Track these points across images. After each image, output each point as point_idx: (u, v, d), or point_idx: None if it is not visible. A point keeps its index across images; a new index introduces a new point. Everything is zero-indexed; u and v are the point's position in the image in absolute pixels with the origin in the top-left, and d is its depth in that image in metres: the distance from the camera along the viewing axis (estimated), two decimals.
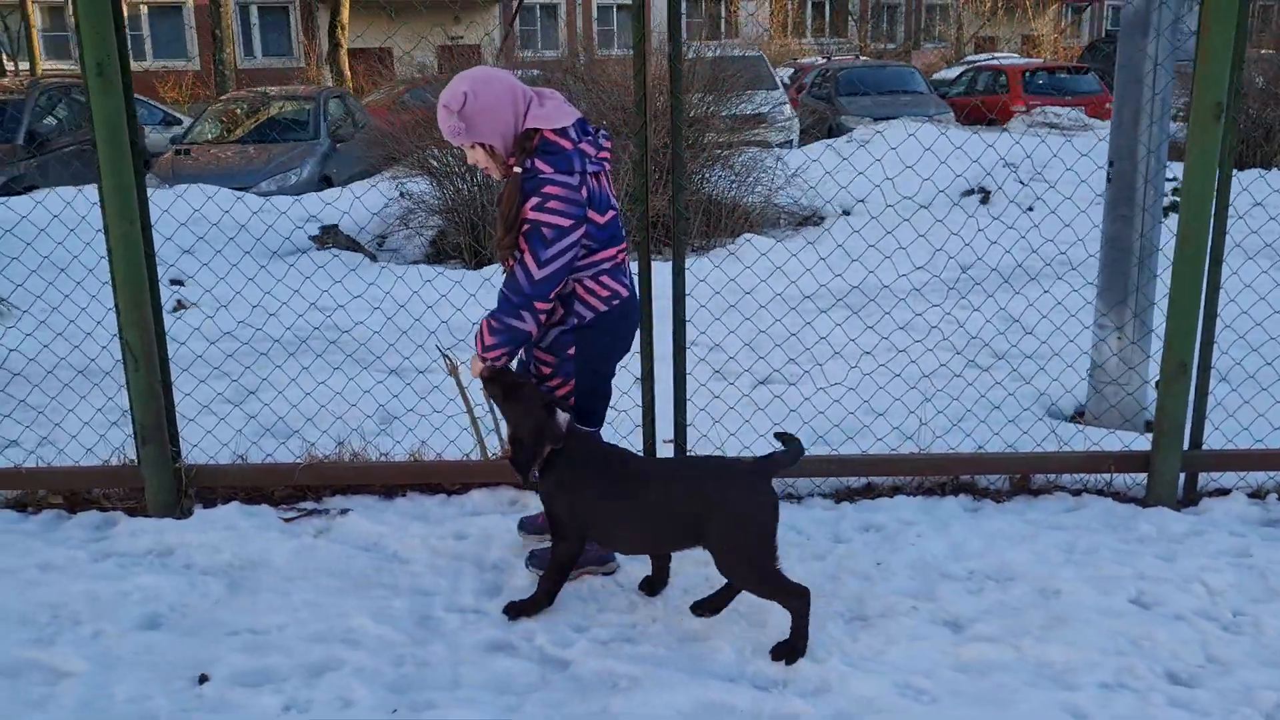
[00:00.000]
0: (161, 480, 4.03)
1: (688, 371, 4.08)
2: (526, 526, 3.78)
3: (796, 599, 3.03)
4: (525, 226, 3.07)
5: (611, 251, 3.27)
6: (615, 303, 3.32)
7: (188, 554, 3.76)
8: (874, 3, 38.79)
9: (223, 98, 13.86)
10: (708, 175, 9.16)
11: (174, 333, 5.82)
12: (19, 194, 9.54)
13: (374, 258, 8.66)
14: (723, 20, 35.49)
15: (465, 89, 3.10)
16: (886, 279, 6.78)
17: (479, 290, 6.40)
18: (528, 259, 3.08)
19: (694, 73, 9.24)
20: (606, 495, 3.15)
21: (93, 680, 3.04)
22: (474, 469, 4.13)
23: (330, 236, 8.58)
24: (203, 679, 3.04)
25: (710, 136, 9.10)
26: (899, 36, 38.65)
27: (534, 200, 3.06)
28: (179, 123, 17.26)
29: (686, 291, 3.98)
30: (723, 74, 9.62)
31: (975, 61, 24.84)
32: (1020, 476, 4.15)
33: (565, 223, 3.06)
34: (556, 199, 3.05)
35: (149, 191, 4.00)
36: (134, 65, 3.95)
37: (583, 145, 3.16)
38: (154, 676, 3.05)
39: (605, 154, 3.26)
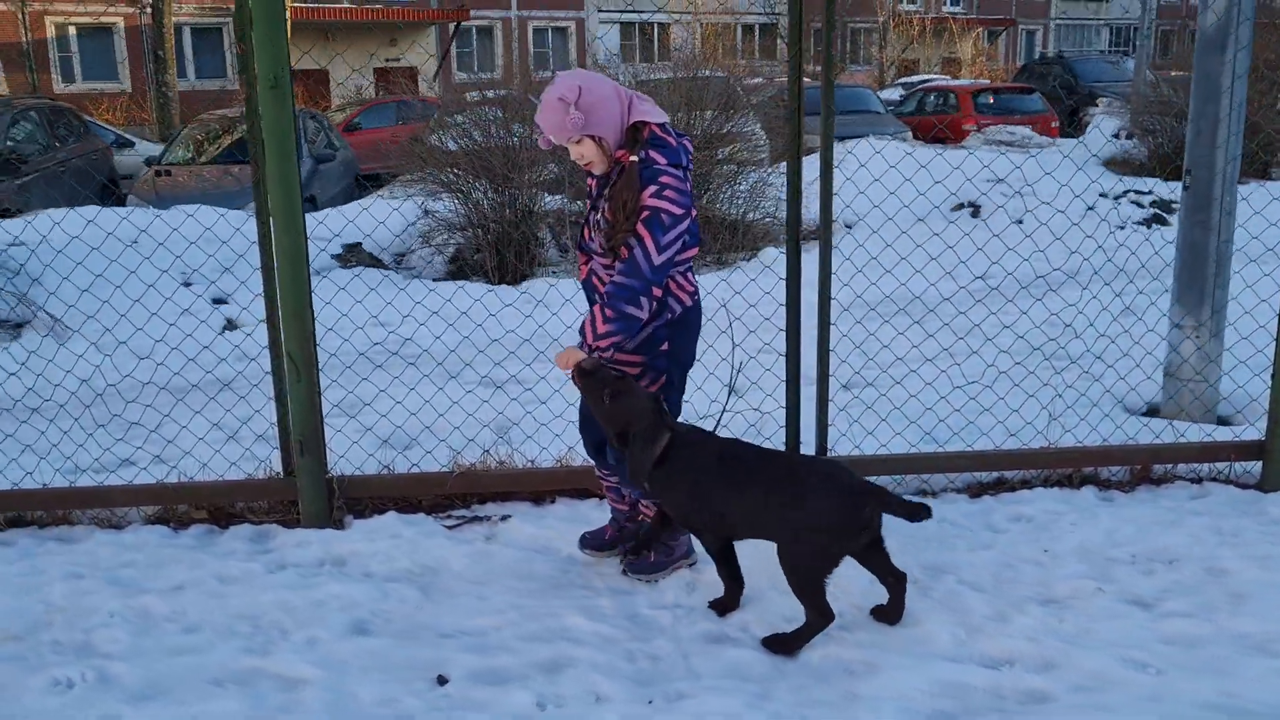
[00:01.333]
0: (316, 491, 4.03)
1: (783, 378, 4.20)
2: (590, 543, 3.79)
3: (821, 618, 3.13)
4: (645, 213, 3.15)
5: (695, 250, 3.38)
6: (697, 297, 3.43)
7: (363, 563, 3.77)
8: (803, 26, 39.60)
9: (198, 119, 13.60)
10: (719, 193, 9.34)
11: (223, 353, 5.80)
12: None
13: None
14: (656, 42, 35.86)
15: (579, 83, 3.18)
16: (915, 289, 6.98)
17: (535, 309, 6.47)
18: (648, 243, 3.15)
19: (705, 93, 9.42)
20: (724, 482, 3.20)
21: (330, 685, 3.04)
22: None
23: (354, 255, 8.54)
24: (441, 680, 3.06)
25: (724, 153, 9.27)
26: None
27: (652, 188, 3.15)
28: (131, 144, 16.91)
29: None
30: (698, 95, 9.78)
31: (921, 83, 25.55)
32: (1141, 467, 4.36)
33: (679, 210, 3.17)
34: (672, 188, 3.16)
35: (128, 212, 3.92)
36: (61, 88, 3.95)
37: (684, 142, 3.29)
38: (391, 679, 3.07)
39: (692, 155, 3.39)
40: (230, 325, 6.85)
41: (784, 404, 4.22)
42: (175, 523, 4.13)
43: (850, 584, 3.50)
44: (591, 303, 3.42)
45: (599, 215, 3.30)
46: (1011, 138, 16.68)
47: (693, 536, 3.56)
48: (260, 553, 3.89)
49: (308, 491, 4.02)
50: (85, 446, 4.71)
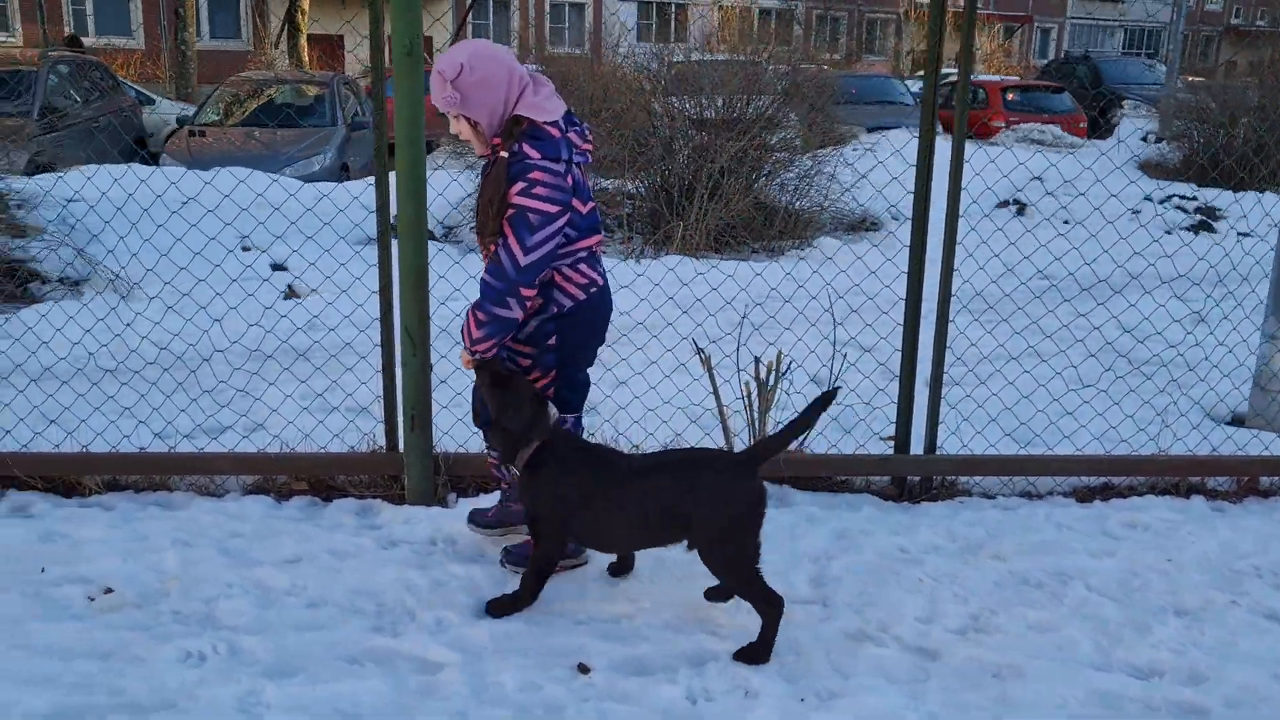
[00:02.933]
0: (424, 467, 3.96)
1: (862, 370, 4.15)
2: (476, 520, 3.72)
3: (771, 607, 3.04)
4: (510, 211, 3.05)
5: (591, 240, 3.26)
6: (593, 290, 3.30)
7: (477, 543, 3.70)
8: (819, 15, 39.43)
9: (231, 79, 13.44)
10: (770, 180, 9.25)
11: (286, 319, 5.69)
12: (37, 172, 9.15)
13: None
14: (672, 27, 35.65)
15: (463, 60, 3.07)
16: (978, 285, 6.90)
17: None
18: (513, 244, 3.05)
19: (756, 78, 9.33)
20: (591, 493, 3.11)
21: (469, 669, 2.98)
22: None
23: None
24: (583, 668, 3.00)
25: (778, 139, 9.18)
26: (841, 49, 39.35)
27: (520, 185, 3.03)
28: (153, 102, 16.71)
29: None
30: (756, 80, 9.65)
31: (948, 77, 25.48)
32: (1249, 479, 4.32)
33: (551, 209, 3.04)
34: (543, 184, 3.03)
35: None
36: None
37: (570, 135, 3.17)
38: (531, 664, 3.01)
39: (588, 146, 3.27)
40: (291, 293, 6.73)
41: (864, 397, 4.16)
42: (275, 493, 4.05)
43: (975, 587, 3.47)
44: None
45: (476, 203, 3.23)
46: (1043, 136, 16.62)
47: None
48: (368, 528, 3.81)
49: (415, 467, 3.95)
50: (161, 410, 4.63)
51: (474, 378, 3.35)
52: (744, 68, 9.36)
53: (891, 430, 4.72)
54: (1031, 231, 7.16)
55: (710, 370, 4.21)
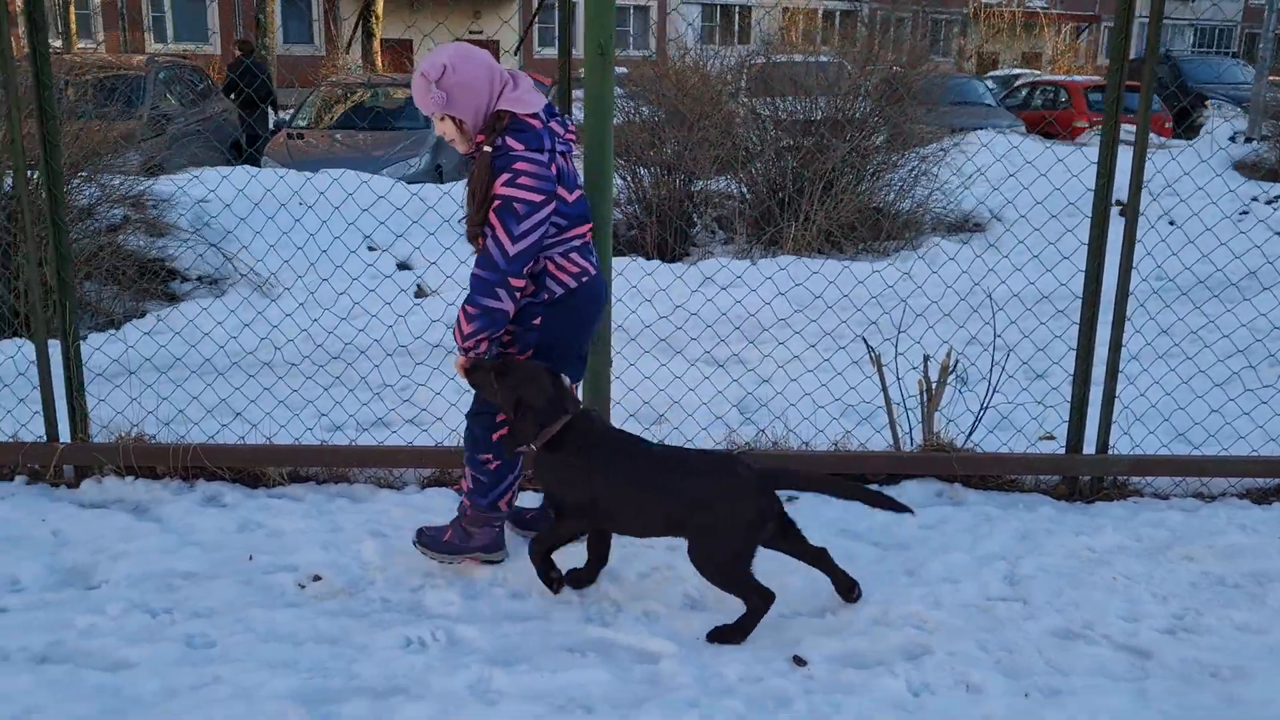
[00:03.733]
0: None
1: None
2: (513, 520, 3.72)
3: (763, 600, 3.08)
4: (496, 203, 3.07)
5: (581, 230, 3.28)
6: (585, 279, 3.31)
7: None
8: (883, 15, 39.16)
9: (328, 84, 13.65)
10: (875, 181, 9.21)
11: (420, 318, 5.76)
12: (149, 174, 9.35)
13: None
14: (735, 28, 35.59)
15: (445, 61, 3.11)
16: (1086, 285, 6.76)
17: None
18: (500, 235, 3.07)
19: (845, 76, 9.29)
20: (612, 474, 3.14)
21: (690, 660, 3.01)
22: (905, 460, 4.14)
23: None
24: (799, 660, 3.02)
25: (883, 139, 9.13)
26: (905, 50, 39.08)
27: (505, 176, 3.06)
28: None
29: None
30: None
31: (1012, 76, 25.17)
32: None
33: (536, 198, 3.07)
34: (527, 175, 3.06)
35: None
36: (155, 47, 3.93)
37: (551, 125, 3.18)
38: (747, 657, 3.03)
39: (571, 135, 3.28)
40: (420, 292, 6.84)
41: (1010, 396, 4.13)
42: (454, 485, 4.11)
43: (1172, 588, 3.44)
44: None
45: (465, 198, 3.24)
46: (1129, 137, 16.33)
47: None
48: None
49: None
50: (321, 404, 4.74)
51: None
52: (848, 69, 9.32)
53: (1046, 429, 4.71)
54: (1157, 230, 7.09)
55: (880, 368, 4.21)
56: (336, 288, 5.93)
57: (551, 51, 30.31)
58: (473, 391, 3.34)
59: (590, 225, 3.36)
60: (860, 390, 4.84)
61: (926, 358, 4.25)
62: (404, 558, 3.54)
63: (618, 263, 7.09)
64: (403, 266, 7.17)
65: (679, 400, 4.78)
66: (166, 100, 12.24)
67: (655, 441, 3.34)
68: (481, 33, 32.09)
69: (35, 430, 4.24)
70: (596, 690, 2.87)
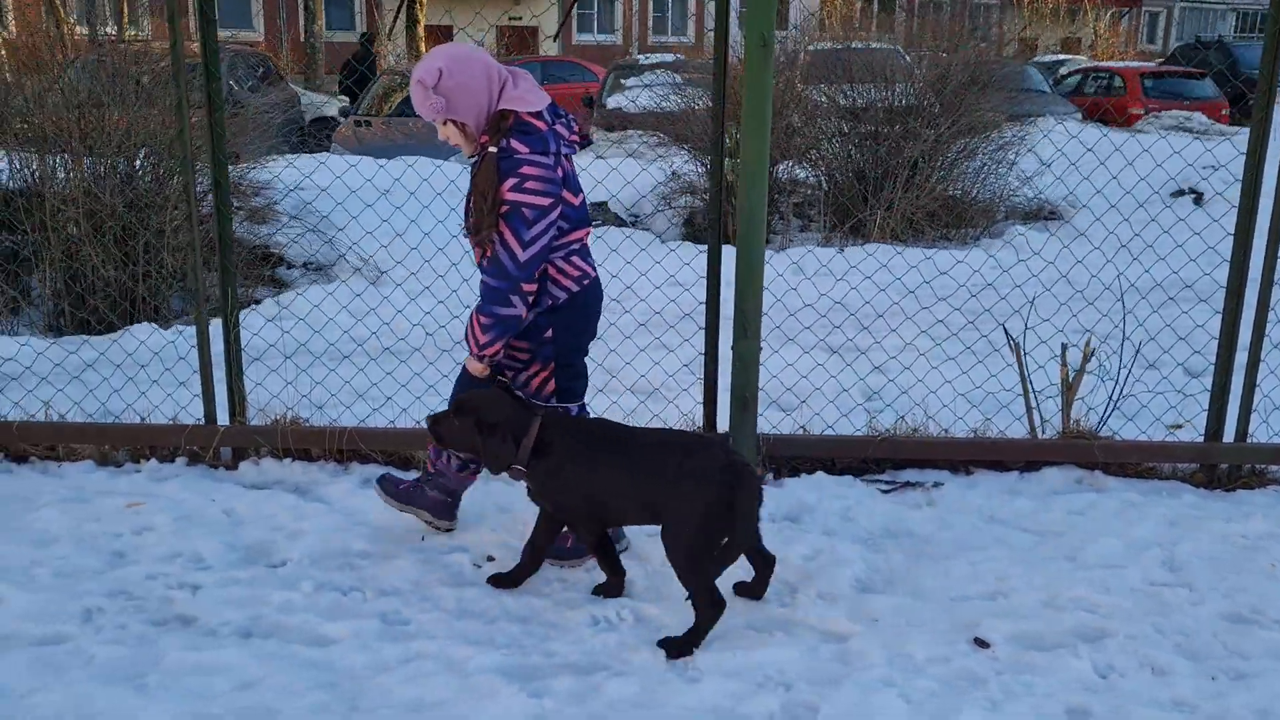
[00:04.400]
0: (750, 447, 4.07)
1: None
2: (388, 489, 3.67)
3: (713, 609, 3.00)
4: (504, 208, 3.04)
5: (582, 233, 3.25)
6: (585, 283, 3.30)
7: (820, 520, 3.81)
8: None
9: (386, 72, 13.76)
10: (953, 169, 9.21)
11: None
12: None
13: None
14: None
15: (440, 65, 3.05)
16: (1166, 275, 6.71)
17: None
18: (510, 241, 3.05)
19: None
20: (596, 466, 3.11)
21: (876, 640, 3.08)
22: (1045, 448, 4.19)
23: (600, 213, 8.59)
24: (980, 642, 3.09)
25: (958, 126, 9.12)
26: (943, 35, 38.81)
27: (512, 181, 3.02)
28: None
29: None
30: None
31: (1056, 63, 24.99)
32: None
33: (544, 202, 3.04)
34: (534, 179, 3.03)
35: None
36: (197, 34, 3.97)
37: (556, 127, 3.14)
38: (930, 638, 3.09)
39: (576, 138, 3.25)
40: None
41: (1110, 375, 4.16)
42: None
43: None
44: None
45: (466, 203, 3.18)
46: (1189, 124, 16.24)
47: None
48: None
49: (740, 447, 4.05)
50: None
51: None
52: (905, 57, 9.32)
53: (1176, 418, 4.73)
54: (1218, 221, 7.04)
55: (1020, 356, 4.26)
56: (441, 273, 6.00)
57: (590, 38, 30.33)
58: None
59: (589, 229, 3.33)
60: (972, 376, 4.89)
61: (1065, 346, 4.29)
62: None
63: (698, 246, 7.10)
64: None
65: (791, 387, 4.84)
66: (230, 87, 12.37)
67: (636, 426, 3.34)
68: (520, 19, 32.14)
69: (194, 413, 4.36)
70: (791, 668, 2.95)
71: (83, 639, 3.06)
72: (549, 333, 3.28)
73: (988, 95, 9.11)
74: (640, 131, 11.57)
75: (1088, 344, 4.26)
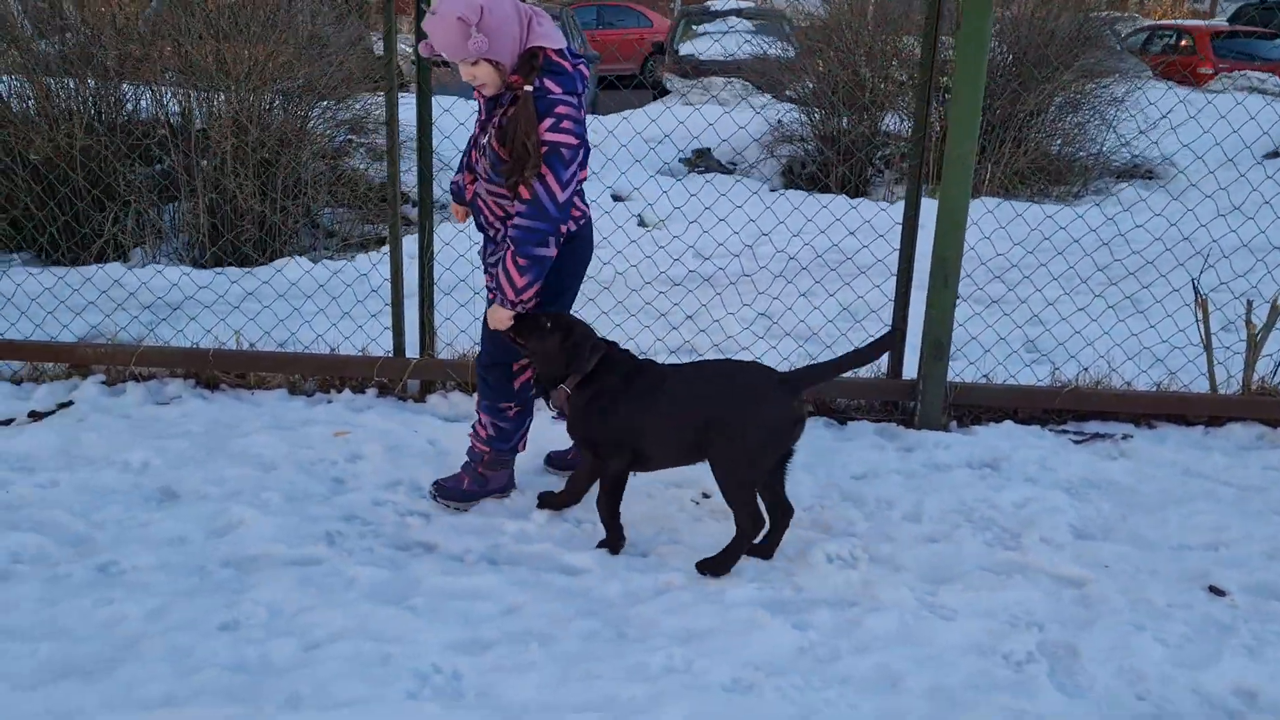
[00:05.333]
0: (938, 395, 4.10)
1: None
2: (555, 461, 3.74)
3: (754, 526, 3.05)
4: (543, 149, 2.97)
5: (584, 172, 3.19)
6: (583, 221, 3.30)
7: (1017, 468, 3.84)
8: None
9: None
10: (1059, 123, 9.13)
11: (646, 249, 5.80)
12: None
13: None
14: None
15: (480, 2, 2.92)
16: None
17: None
18: (551, 181, 2.99)
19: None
20: (645, 404, 3.11)
21: (1110, 585, 3.12)
22: (1231, 403, 4.20)
23: (703, 160, 8.56)
24: (1216, 590, 3.12)
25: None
26: None
27: (549, 121, 2.96)
28: None
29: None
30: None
31: (1116, 19, 24.56)
32: None
33: (576, 142, 3.00)
34: (568, 119, 2.97)
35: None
36: None
37: (580, 67, 3.07)
38: (1163, 585, 3.13)
39: (586, 78, 3.17)
40: (641, 222, 6.92)
41: None
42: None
43: None
44: (478, 224, 3.31)
45: (487, 139, 3.11)
46: (1264, 85, 16.01)
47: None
48: (902, 449, 3.98)
49: (930, 394, 4.10)
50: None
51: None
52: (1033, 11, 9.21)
53: None
54: None
55: (1206, 312, 4.26)
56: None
57: None
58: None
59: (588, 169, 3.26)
60: (1130, 326, 4.88)
61: (1250, 302, 4.29)
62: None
63: (822, 198, 7.06)
64: (617, 198, 7.25)
65: (977, 336, 4.85)
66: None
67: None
68: None
69: (356, 343, 4.45)
70: (1037, 609, 3.00)
71: (336, 561, 3.13)
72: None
73: (1091, 50, 9.01)
74: (725, 78, 11.50)
75: (1275, 302, 4.25)
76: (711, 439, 3.05)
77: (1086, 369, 4.42)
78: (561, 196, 3.03)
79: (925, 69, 4.00)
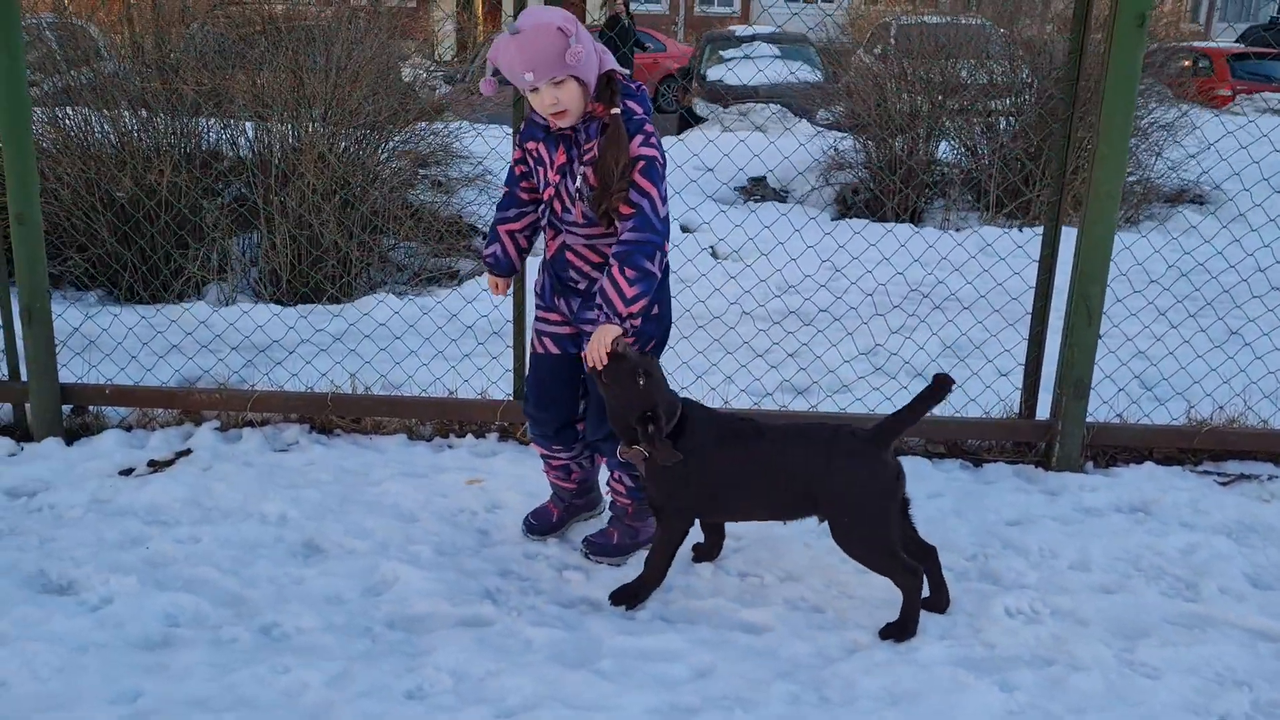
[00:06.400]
0: (1076, 437, 4.02)
1: None
2: (537, 528, 3.51)
3: (910, 576, 2.92)
4: (641, 164, 2.85)
5: None
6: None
7: (1169, 512, 3.75)
8: None
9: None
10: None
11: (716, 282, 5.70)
12: None
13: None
14: None
15: (566, 15, 2.82)
16: None
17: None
18: (654, 195, 2.85)
19: None
20: (726, 464, 2.98)
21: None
22: None
23: (759, 188, 8.50)
24: None
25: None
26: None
27: (640, 137, 2.86)
28: None
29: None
30: None
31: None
32: None
33: (663, 160, 2.91)
34: (655, 138, 2.90)
35: None
36: None
37: (642, 89, 2.99)
38: None
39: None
40: (714, 254, 6.84)
41: None
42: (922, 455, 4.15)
43: None
44: (562, 283, 3.13)
45: (578, 181, 2.94)
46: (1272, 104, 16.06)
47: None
48: (1046, 493, 3.89)
49: (1069, 434, 4.01)
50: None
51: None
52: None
53: None
54: None
55: None
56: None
57: (709, 8, 29.99)
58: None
59: None
60: (1236, 360, 4.80)
61: None
62: (948, 525, 3.56)
63: (898, 229, 6.97)
64: (685, 230, 7.17)
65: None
66: None
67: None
68: None
69: (476, 386, 4.41)
70: (1238, 665, 2.89)
71: (507, 620, 3.02)
72: (655, 309, 3.09)
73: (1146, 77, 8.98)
74: (763, 104, 11.46)
75: None
76: (821, 513, 2.96)
77: (1222, 407, 4.34)
78: (662, 210, 2.89)
79: (1067, 101, 3.93)
